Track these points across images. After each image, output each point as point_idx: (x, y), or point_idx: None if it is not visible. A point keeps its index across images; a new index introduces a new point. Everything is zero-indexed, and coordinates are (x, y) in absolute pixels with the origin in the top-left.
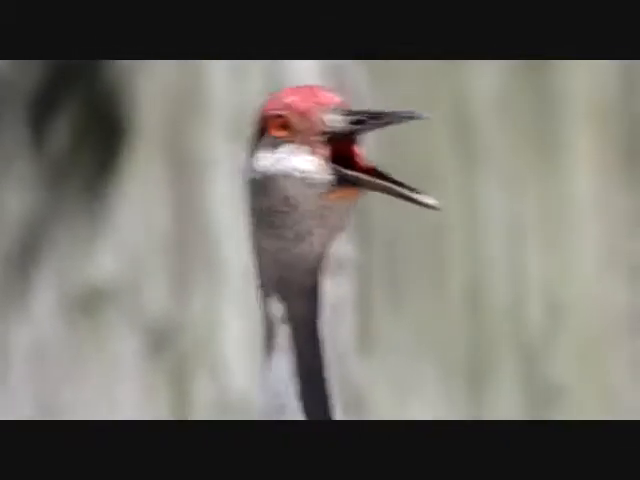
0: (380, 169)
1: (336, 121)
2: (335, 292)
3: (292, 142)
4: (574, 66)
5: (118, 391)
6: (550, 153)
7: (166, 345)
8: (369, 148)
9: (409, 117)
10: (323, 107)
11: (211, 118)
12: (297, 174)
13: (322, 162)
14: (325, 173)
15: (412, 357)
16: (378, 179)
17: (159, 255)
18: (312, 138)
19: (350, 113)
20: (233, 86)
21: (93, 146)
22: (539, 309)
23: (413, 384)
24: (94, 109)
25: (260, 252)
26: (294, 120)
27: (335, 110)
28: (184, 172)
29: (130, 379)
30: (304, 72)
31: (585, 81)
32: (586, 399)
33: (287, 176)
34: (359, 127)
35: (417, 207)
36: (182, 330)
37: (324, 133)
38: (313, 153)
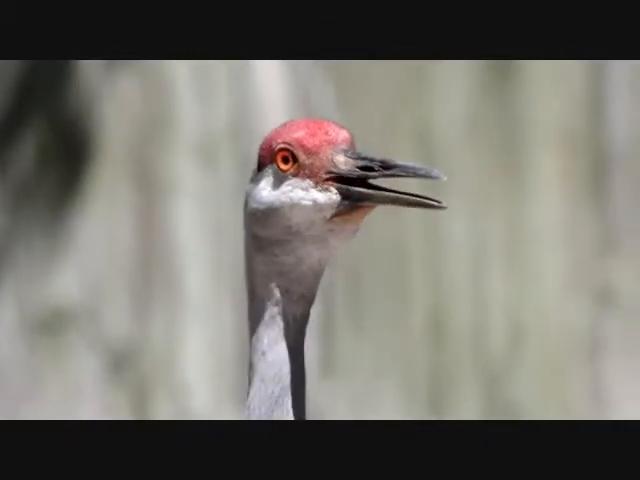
0: (378, 184)
1: (345, 164)
2: None
3: (297, 176)
4: (542, 93)
5: (78, 412)
6: (515, 178)
7: (127, 366)
8: None
9: (424, 175)
10: (333, 146)
11: (176, 141)
12: (304, 203)
13: (325, 186)
14: (330, 194)
15: (374, 379)
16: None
17: (121, 277)
18: (318, 174)
19: (359, 158)
20: (198, 109)
21: (57, 168)
22: (501, 332)
23: (374, 405)
24: (58, 131)
25: (255, 273)
26: (301, 155)
27: (345, 152)
28: (148, 195)
29: (90, 400)
30: (270, 93)
31: (552, 107)
32: (546, 418)
33: (293, 206)
34: (368, 174)
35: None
36: (143, 351)
37: (331, 173)
38: (318, 187)
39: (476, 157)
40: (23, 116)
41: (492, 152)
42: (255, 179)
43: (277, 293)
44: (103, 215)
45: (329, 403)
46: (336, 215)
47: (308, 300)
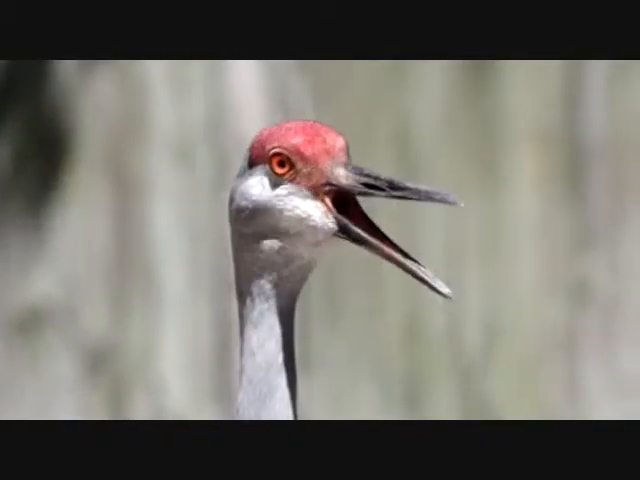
0: (377, 225)
1: (347, 178)
2: None
3: (293, 182)
4: (517, 87)
5: (55, 411)
6: (491, 174)
7: (104, 365)
8: None
9: (440, 200)
10: (331, 156)
11: (152, 140)
12: (297, 212)
13: (326, 210)
14: (328, 221)
15: (350, 376)
16: (381, 241)
17: (98, 276)
18: (317, 184)
19: (363, 174)
20: (174, 107)
21: (34, 168)
22: (477, 330)
23: (350, 403)
24: (35, 131)
25: (241, 270)
26: (299, 163)
27: (346, 165)
28: (124, 194)
29: (67, 399)
30: (246, 92)
31: (528, 104)
32: (521, 417)
33: (284, 211)
34: (373, 193)
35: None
36: (120, 351)
37: (330, 185)
38: (315, 198)
39: (453, 155)
40: None
41: (469, 150)
42: (244, 175)
43: (265, 289)
44: (80, 214)
45: (305, 401)
46: (331, 239)
47: (295, 296)
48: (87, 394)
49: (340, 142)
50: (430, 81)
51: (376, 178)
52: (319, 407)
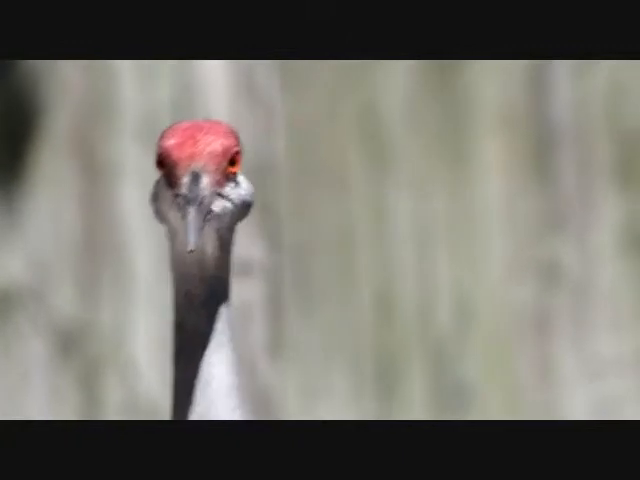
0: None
1: (185, 188)
2: (244, 295)
3: (167, 184)
4: (484, 70)
5: (24, 394)
6: (459, 157)
7: (74, 348)
8: (278, 149)
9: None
10: (193, 162)
11: (120, 123)
12: (159, 216)
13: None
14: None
15: (322, 359)
16: None
17: (68, 258)
18: (173, 189)
19: (192, 191)
20: (141, 91)
21: (0, 150)
22: (448, 311)
23: (322, 386)
24: (1, 113)
25: None
26: (167, 166)
27: (193, 174)
28: (93, 175)
29: (37, 383)
30: (213, 76)
31: (494, 85)
32: (493, 399)
33: (154, 213)
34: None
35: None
36: (90, 333)
37: (177, 196)
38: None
39: (420, 138)
40: None
41: (436, 132)
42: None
43: (180, 302)
44: (48, 197)
45: (278, 384)
46: None
47: (209, 308)
48: (58, 376)
49: (213, 148)
50: (396, 66)
51: (186, 198)
52: (292, 389)
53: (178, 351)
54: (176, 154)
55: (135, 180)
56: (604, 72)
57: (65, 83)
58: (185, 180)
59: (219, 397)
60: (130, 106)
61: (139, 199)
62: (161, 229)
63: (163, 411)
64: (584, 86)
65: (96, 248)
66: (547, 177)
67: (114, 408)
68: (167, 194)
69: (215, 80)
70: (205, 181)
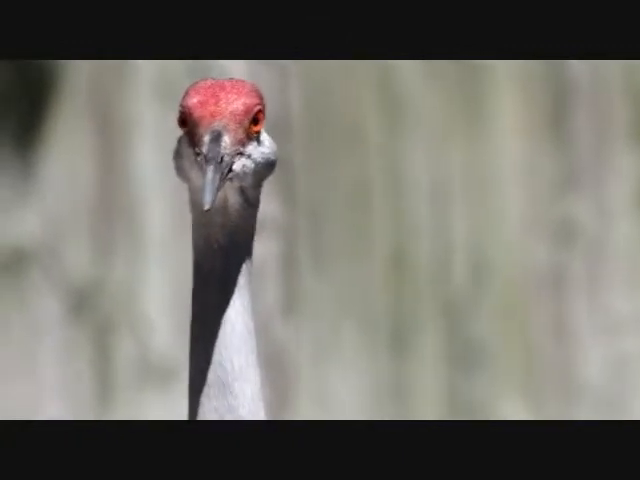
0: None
1: (205, 147)
2: (257, 251)
3: (190, 142)
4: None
5: (40, 350)
6: (477, 114)
7: (88, 305)
8: (293, 105)
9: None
10: (213, 120)
11: (136, 81)
12: (181, 174)
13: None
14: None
15: (336, 316)
16: None
17: (82, 216)
18: (194, 147)
19: (212, 147)
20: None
21: (16, 109)
22: (463, 268)
23: (337, 343)
24: (18, 72)
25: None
26: (189, 124)
27: (213, 133)
28: (108, 135)
29: (52, 339)
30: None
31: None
32: (508, 357)
33: (175, 169)
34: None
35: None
36: (104, 290)
37: (199, 151)
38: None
39: (436, 95)
40: None
41: (451, 89)
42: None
43: (199, 243)
44: (64, 155)
45: (291, 341)
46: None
47: (227, 252)
48: (72, 333)
49: (233, 107)
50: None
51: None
52: (306, 346)
53: (195, 291)
54: (198, 112)
55: (150, 139)
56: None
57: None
58: (206, 139)
59: (233, 340)
60: (146, 63)
61: (154, 158)
62: (175, 188)
63: (175, 366)
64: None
65: (111, 206)
66: (563, 136)
67: (127, 363)
68: (188, 152)
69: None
70: (226, 140)
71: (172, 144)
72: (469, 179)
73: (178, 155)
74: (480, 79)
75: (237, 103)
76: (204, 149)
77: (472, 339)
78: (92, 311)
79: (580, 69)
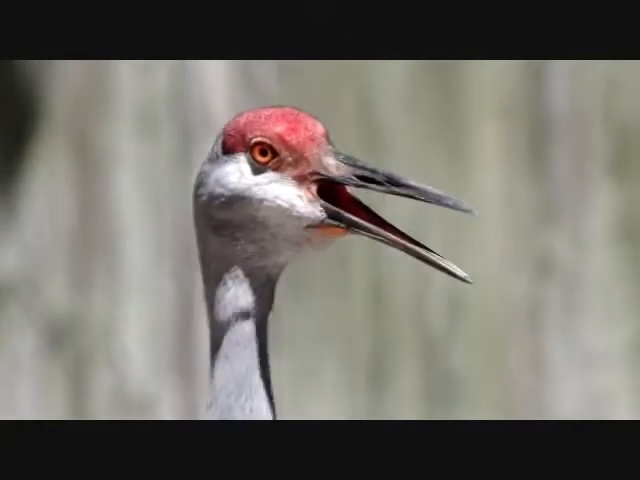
0: (366, 205)
1: (337, 168)
2: None
3: (276, 171)
4: (481, 62)
5: (17, 384)
6: (456, 146)
7: (66, 339)
8: None
9: (452, 206)
10: (317, 144)
11: (116, 110)
12: (279, 202)
13: (311, 198)
14: (314, 209)
15: (314, 350)
16: (381, 227)
17: (61, 249)
18: (303, 173)
19: (356, 165)
20: (138, 78)
21: None
22: (441, 301)
23: (316, 375)
24: (0, 104)
25: (211, 255)
26: (283, 152)
27: (337, 155)
28: (88, 165)
29: (29, 373)
30: (211, 65)
31: (491, 74)
32: (485, 391)
33: (264, 200)
34: (370, 187)
35: None
36: (82, 324)
37: (318, 174)
38: (300, 187)
39: (417, 128)
40: None
41: (432, 120)
42: (218, 161)
43: (239, 274)
44: (43, 186)
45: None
46: (317, 228)
47: (272, 280)
48: (50, 367)
49: (321, 129)
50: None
51: (373, 171)
52: (285, 378)
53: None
54: (295, 139)
55: (130, 169)
56: (600, 66)
57: (62, 71)
58: (340, 159)
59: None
60: (126, 94)
61: (134, 188)
62: (155, 221)
63: (152, 400)
64: (580, 77)
65: (90, 238)
66: (542, 167)
67: (104, 397)
68: (281, 175)
69: (211, 68)
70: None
71: (152, 174)
72: (447, 211)
73: (259, 186)
74: (460, 111)
75: (319, 125)
76: (365, 169)
77: (449, 372)
78: (70, 345)
79: (560, 101)
